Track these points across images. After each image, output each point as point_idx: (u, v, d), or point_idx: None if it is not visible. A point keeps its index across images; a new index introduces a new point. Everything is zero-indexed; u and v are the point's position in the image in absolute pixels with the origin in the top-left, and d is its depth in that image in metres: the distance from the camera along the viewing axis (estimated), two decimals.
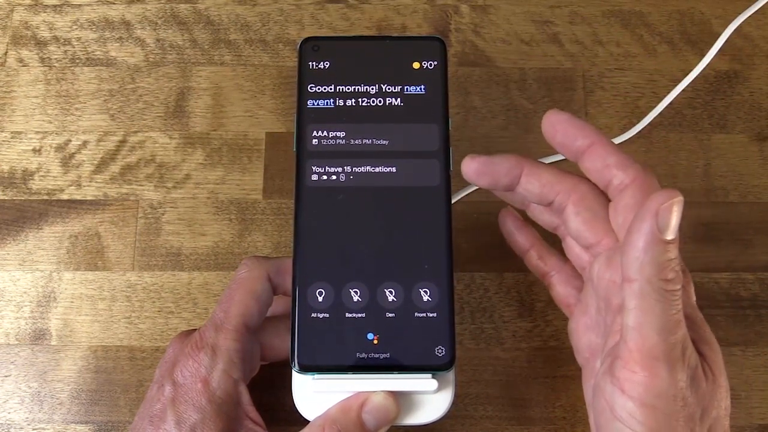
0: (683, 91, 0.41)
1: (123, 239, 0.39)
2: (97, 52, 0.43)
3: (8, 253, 0.39)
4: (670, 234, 0.25)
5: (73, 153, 0.41)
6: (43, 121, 0.41)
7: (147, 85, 0.42)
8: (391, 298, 0.29)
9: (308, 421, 0.29)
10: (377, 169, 0.30)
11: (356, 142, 0.31)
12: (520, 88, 0.42)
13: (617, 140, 0.40)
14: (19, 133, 0.41)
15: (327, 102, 0.31)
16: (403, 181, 0.30)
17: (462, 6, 0.43)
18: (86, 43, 0.43)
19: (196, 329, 0.32)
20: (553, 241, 0.33)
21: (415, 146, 0.31)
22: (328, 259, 0.29)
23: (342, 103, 0.31)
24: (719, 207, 0.40)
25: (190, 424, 0.29)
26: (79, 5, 0.44)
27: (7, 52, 0.43)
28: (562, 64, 0.42)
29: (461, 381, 0.37)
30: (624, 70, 0.42)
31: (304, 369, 0.28)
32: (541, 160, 0.40)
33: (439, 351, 0.28)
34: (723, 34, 0.42)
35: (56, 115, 0.42)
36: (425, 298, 0.29)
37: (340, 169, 0.30)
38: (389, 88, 0.31)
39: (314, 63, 0.32)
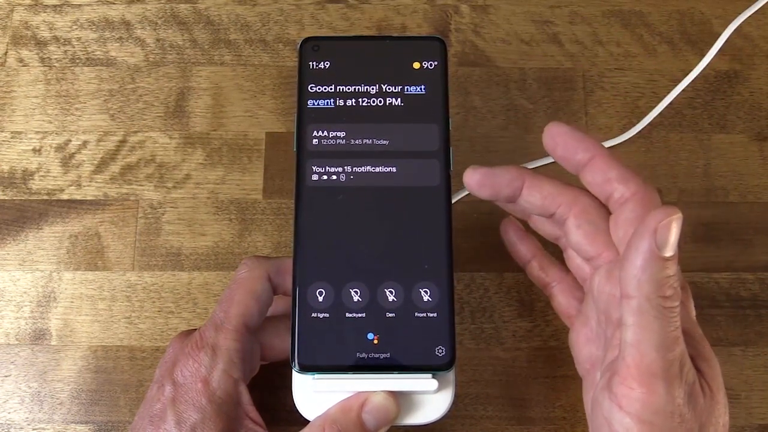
0: (683, 91, 0.41)
1: (123, 239, 0.39)
2: (97, 52, 0.43)
3: (8, 253, 0.39)
4: (669, 251, 0.25)
5: (73, 153, 0.41)
6: (43, 121, 0.41)
7: (147, 85, 0.42)
8: (391, 298, 0.29)
9: (308, 421, 0.29)
10: (377, 169, 0.30)
11: (356, 142, 0.31)
12: (520, 88, 0.42)
13: (617, 140, 0.40)
14: (19, 133, 0.41)
15: (327, 102, 0.31)
16: (403, 181, 0.30)
17: (462, 6, 0.43)
18: (86, 43, 0.43)
19: (196, 329, 0.32)
20: (554, 251, 0.33)
21: (415, 146, 0.31)
22: (329, 259, 0.29)
23: (342, 103, 0.31)
24: (719, 207, 0.40)
25: (191, 424, 0.29)
26: (79, 5, 0.44)
27: (7, 52, 0.43)
28: (562, 64, 0.42)
29: (461, 381, 0.37)
30: (624, 70, 0.42)
31: (305, 369, 0.28)
32: (541, 160, 0.40)
33: (439, 351, 0.28)
34: (723, 34, 0.42)
35: (56, 115, 0.42)
36: (425, 298, 0.29)
37: (340, 169, 0.30)
38: (389, 88, 0.31)
39: (314, 63, 0.32)
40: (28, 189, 0.40)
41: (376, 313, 0.29)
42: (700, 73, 0.41)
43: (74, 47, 0.43)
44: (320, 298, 0.29)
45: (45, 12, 0.43)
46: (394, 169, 0.30)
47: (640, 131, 0.41)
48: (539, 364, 0.37)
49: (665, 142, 0.41)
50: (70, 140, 0.41)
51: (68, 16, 0.43)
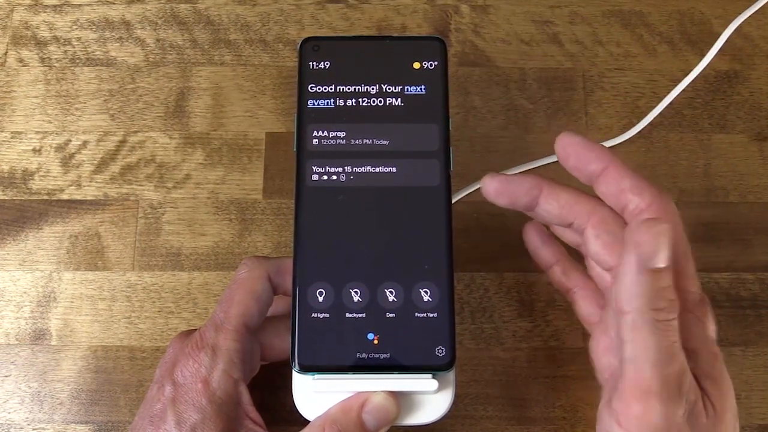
0: (683, 91, 0.41)
1: (123, 239, 0.39)
2: (97, 52, 0.43)
3: (8, 253, 0.39)
4: (659, 263, 0.25)
5: (73, 153, 0.41)
6: (43, 121, 0.41)
7: (147, 85, 0.42)
8: (391, 298, 0.29)
9: (308, 421, 0.29)
10: (377, 169, 0.30)
11: (356, 142, 0.31)
12: (520, 88, 0.42)
13: (617, 140, 0.40)
14: (19, 133, 0.41)
15: (327, 102, 0.31)
16: (404, 181, 0.30)
17: (462, 6, 0.43)
18: (86, 43, 0.43)
19: (196, 329, 0.32)
20: (577, 256, 0.33)
21: (415, 146, 0.31)
22: (329, 259, 0.29)
23: (342, 103, 0.31)
24: (719, 207, 0.40)
25: (191, 424, 0.29)
26: (79, 5, 0.44)
27: (7, 52, 0.43)
28: (562, 64, 0.42)
29: (461, 381, 0.37)
30: (624, 70, 0.42)
31: (305, 369, 0.28)
32: (541, 160, 0.40)
33: (440, 351, 0.28)
34: (723, 34, 0.42)
35: (56, 115, 0.42)
36: (425, 298, 0.29)
37: (340, 169, 0.30)
38: (389, 88, 0.31)
39: (314, 63, 0.32)
40: (28, 189, 0.40)
41: (376, 314, 0.29)
42: (700, 73, 0.41)
43: (74, 47, 0.43)
44: (320, 298, 0.29)
45: (45, 12, 0.43)
46: (394, 169, 0.30)
47: (640, 131, 0.41)
48: (539, 364, 0.37)
49: (665, 142, 0.41)
50: (70, 140, 0.41)
51: (68, 16, 0.43)
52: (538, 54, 0.42)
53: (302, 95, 0.31)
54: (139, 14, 0.43)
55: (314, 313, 0.29)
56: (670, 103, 0.41)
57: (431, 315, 0.29)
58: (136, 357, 0.38)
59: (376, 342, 0.29)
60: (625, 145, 0.40)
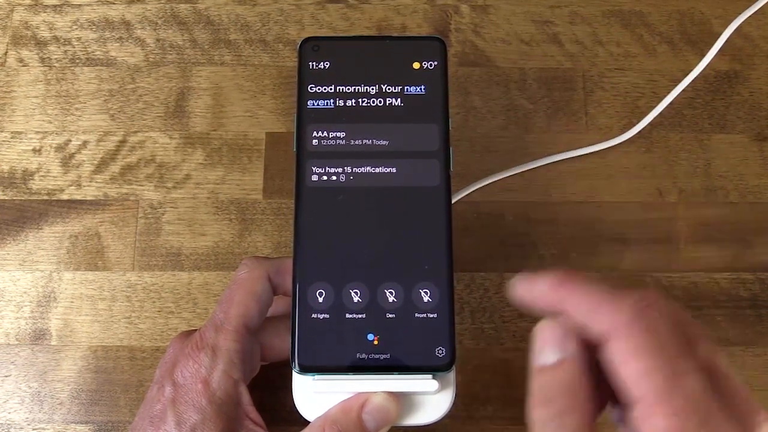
0: (683, 91, 0.41)
1: (123, 239, 0.39)
2: (97, 52, 0.43)
3: (8, 253, 0.39)
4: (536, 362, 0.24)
5: (73, 153, 0.41)
6: (43, 121, 0.41)
7: (147, 85, 0.42)
8: (391, 298, 0.29)
9: (308, 422, 0.29)
10: (377, 170, 0.30)
11: (356, 142, 0.31)
12: (520, 88, 0.42)
13: (617, 140, 0.40)
14: (19, 133, 0.41)
15: (327, 102, 0.31)
16: (403, 182, 0.30)
17: (462, 6, 0.43)
18: (86, 43, 0.43)
19: (196, 329, 0.32)
20: None
21: (415, 146, 0.31)
22: (329, 260, 0.29)
23: (342, 104, 0.31)
24: (719, 207, 0.40)
25: (191, 424, 0.29)
26: (79, 5, 0.44)
27: (7, 52, 0.43)
28: (562, 64, 0.42)
29: (461, 381, 0.37)
30: (624, 70, 0.42)
31: (305, 369, 0.28)
32: (541, 160, 0.40)
33: (440, 351, 0.28)
34: (723, 34, 0.42)
35: (56, 115, 0.42)
36: (425, 298, 0.29)
37: (340, 170, 0.30)
38: (389, 89, 0.31)
39: (314, 63, 0.32)
40: (28, 189, 0.40)
41: (376, 314, 0.29)
42: (700, 73, 0.41)
43: (74, 47, 0.43)
44: (320, 299, 0.29)
45: (45, 12, 0.43)
46: (394, 170, 0.30)
47: (640, 131, 0.41)
48: None
49: (665, 142, 0.41)
50: (70, 140, 0.41)
51: (68, 16, 0.43)
52: (538, 54, 0.42)
53: (302, 95, 0.31)
54: (139, 14, 0.43)
55: (314, 313, 0.29)
56: (670, 103, 0.41)
57: (431, 315, 0.29)
58: (136, 357, 0.38)
59: (376, 342, 0.29)
60: (625, 145, 0.40)
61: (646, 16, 0.43)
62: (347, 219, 0.30)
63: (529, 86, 0.42)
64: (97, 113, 0.42)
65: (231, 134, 0.41)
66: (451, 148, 0.31)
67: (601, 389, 0.24)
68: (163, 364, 0.31)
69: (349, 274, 0.29)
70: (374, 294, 0.29)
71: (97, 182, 0.40)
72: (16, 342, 0.38)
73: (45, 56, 0.43)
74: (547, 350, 0.24)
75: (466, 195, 0.40)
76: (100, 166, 0.41)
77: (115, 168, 0.41)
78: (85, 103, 0.42)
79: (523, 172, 0.40)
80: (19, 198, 0.40)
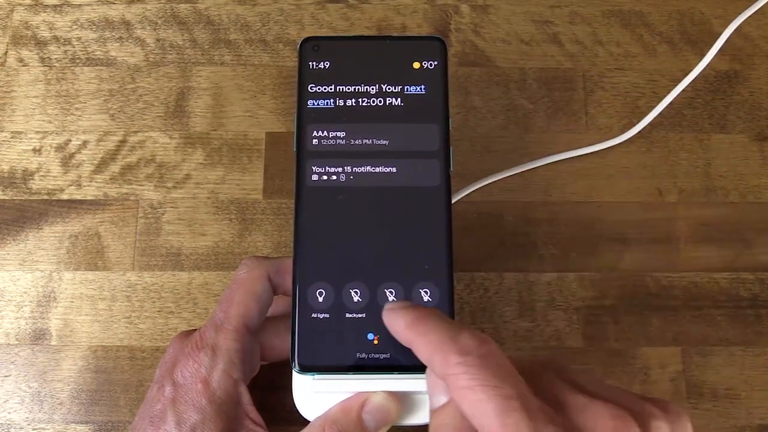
0: (683, 91, 0.41)
1: (123, 239, 0.39)
2: (97, 52, 0.43)
3: (8, 253, 0.39)
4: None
5: (73, 153, 0.41)
6: (43, 121, 0.41)
7: (147, 85, 0.42)
8: (391, 298, 0.29)
9: (308, 421, 0.29)
10: (377, 169, 0.30)
11: (356, 142, 0.31)
12: (520, 88, 0.42)
13: (617, 140, 0.40)
14: (19, 133, 0.41)
15: (327, 102, 0.31)
16: (403, 181, 0.30)
17: (462, 6, 0.43)
18: (86, 43, 0.43)
19: (196, 329, 0.32)
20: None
21: (415, 146, 0.31)
22: (329, 259, 0.29)
23: (342, 103, 0.31)
24: (719, 207, 0.40)
25: (191, 424, 0.29)
26: (79, 5, 0.44)
27: (7, 52, 0.43)
28: (562, 64, 0.42)
29: None
30: (624, 70, 0.42)
31: (305, 369, 0.28)
32: (541, 160, 0.40)
33: None
34: (723, 34, 0.42)
35: (56, 115, 0.42)
36: (425, 298, 0.29)
37: (340, 169, 0.30)
38: (389, 88, 0.31)
39: (314, 63, 0.32)
40: (28, 189, 0.40)
41: (376, 314, 0.29)
42: (700, 73, 0.41)
43: (74, 47, 0.43)
44: (320, 299, 0.29)
45: (45, 12, 0.43)
46: (394, 169, 0.30)
47: (640, 131, 0.41)
48: None
49: (665, 142, 0.41)
50: (70, 140, 0.41)
51: (68, 16, 0.43)
52: (538, 54, 0.42)
53: (302, 95, 0.31)
54: (139, 14, 0.43)
55: (314, 313, 0.29)
56: (670, 103, 0.41)
57: None
58: (136, 357, 0.38)
59: (376, 342, 0.29)
60: (625, 145, 0.40)
61: (646, 16, 0.43)
62: (347, 219, 0.30)
63: (529, 86, 0.42)
64: (97, 113, 0.42)
65: (231, 134, 0.41)
66: (451, 148, 0.31)
67: None
68: (163, 363, 0.31)
69: (349, 274, 0.29)
70: (374, 294, 0.29)
71: (97, 182, 0.40)
72: (16, 342, 0.38)
73: (45, 56, 0.43)
74: (437, 393, 0.25)
75: (466, 195, 0.40)
76: (100, 166, 0.41)
77: (115, 168, 0.41)
78: (85, 103, 0.42)
79: (523, 172, 0.40)
80: (19, 198, 0.40)
